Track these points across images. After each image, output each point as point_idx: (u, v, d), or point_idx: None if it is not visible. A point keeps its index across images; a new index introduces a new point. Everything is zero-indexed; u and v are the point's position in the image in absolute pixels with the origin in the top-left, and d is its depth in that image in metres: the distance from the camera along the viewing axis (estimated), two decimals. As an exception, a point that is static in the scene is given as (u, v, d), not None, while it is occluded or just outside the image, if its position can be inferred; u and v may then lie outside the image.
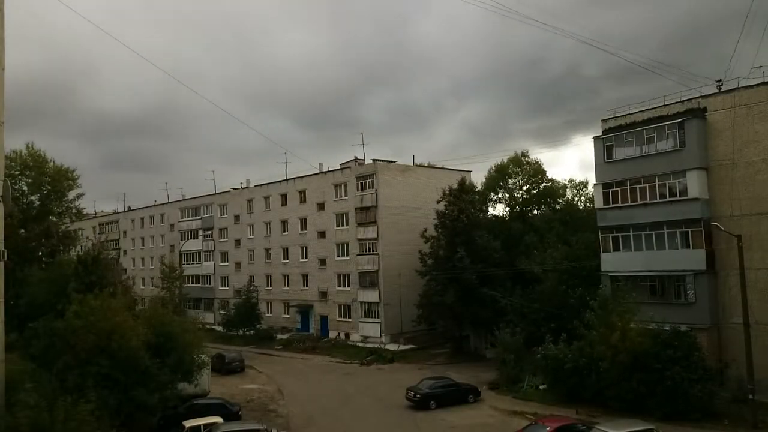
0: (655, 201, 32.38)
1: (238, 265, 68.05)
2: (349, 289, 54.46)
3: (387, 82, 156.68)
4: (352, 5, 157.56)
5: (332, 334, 55.25)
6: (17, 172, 50.68)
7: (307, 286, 58.83)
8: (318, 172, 59.55)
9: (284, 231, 61.74)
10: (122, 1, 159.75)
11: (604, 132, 35.20)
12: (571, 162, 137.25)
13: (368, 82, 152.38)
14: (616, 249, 34.05)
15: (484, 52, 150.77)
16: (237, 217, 68.35)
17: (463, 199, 45.17)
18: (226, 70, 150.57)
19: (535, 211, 54.96)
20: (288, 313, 60.55)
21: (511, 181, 55.23)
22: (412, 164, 57.55)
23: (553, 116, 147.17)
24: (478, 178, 57.14)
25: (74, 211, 56.92)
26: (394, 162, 56.19)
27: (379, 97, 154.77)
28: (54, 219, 53.76)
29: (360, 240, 53.38)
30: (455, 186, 46.31)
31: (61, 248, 52.40)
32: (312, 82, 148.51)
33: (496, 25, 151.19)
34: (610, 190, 34.48)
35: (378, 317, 51.57)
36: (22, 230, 49.80)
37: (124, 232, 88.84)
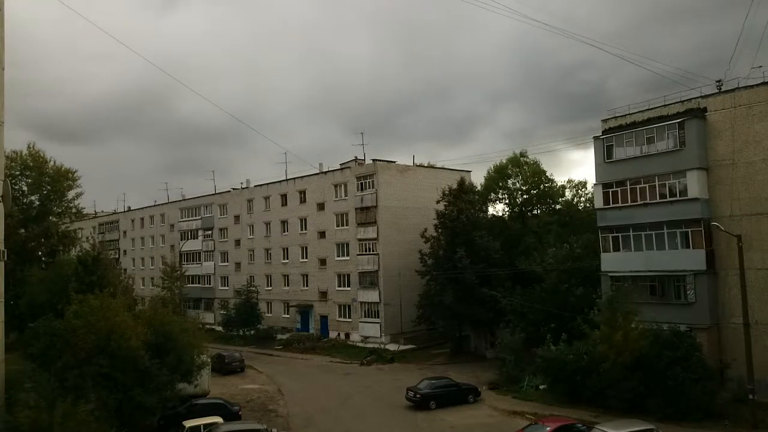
0: (655, 201, 32.36)
1: (238, 265, 68.05)
2: (349, 289, 54.45)
3: (433, 92, 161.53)
4: (405, 22, 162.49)
5: (332, 334, 55.24)
6: (17, 173, 50.74)
7: (307, 286, 58.82)
8: (318, 172, 59.56)
9: (284, 231, 61.73)
10: (214, 20, 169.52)
11: (604, 132, 35.18)
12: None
13: (416, 93, 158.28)
14: (616, 249, 34.03)
15: (520, 63, 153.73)
16: (237, 217, 68.35)
17: (462, 199, 45.19)
18: (299, 81, 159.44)
19: (535, 211, 54.94)
20: (288, 313, 60.55)
21: (510, 182, 55.21)
22: (411, 164, 57.56)
23: (585, 122, 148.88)
24: (481, 179, 57.14)
25: (74, 211, 56.99)
26: (394, 162, 56.21)
27: (423, 107, 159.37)
28: (54, 219, 53.81)
29: (360, 240, 53.38)
30: (455, 186, 46.33)
31: (61, 248, 52.49)
32: (365, 93, 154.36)
33: (532, 37, 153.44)
34: (610, 190, 34.46)
35: (378, 317, 51.56)
36: (22, 230, 49.86)
37: (124, 232, 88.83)
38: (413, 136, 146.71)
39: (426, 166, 59.84)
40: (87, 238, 78.18)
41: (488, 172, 56.93)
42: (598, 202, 35.34)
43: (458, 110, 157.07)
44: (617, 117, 34.90)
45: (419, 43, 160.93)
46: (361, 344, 50.91)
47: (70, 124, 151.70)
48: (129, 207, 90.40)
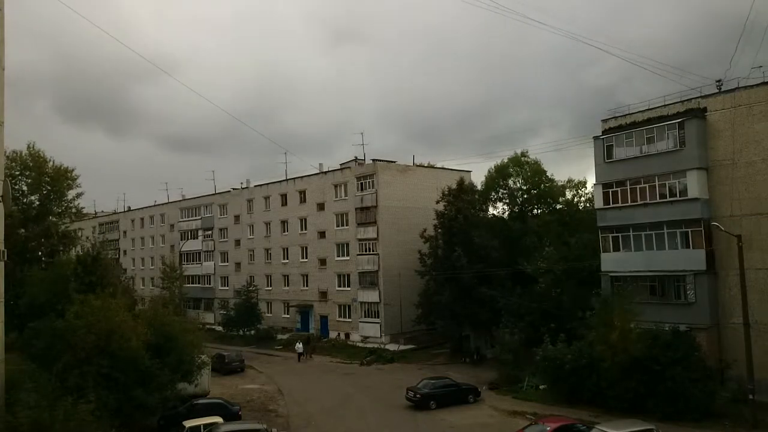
0: (655, 201, 32.37)
1: (238, 265, 68.06)
2: (349, 289, 54.46)
3: (492, 105, 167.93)
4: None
5: (332, 335, 55.26)
6: (17, 172, 50.70)
7: (307, 286, 58.83)
8: (318, 172, 59.57)
9: (284, 231, 61.75)
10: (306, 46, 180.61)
11: (604, 132, 35.17)
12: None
13: (474, 107, 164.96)
14: (616, 249, 34.03)
15: (564, 77, 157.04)
16: (237, 217, 68.37)
17: (461, 199, 45.18)
18: (376, 99, 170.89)
19: (535, 211, 54.86)
20: (288, 313, 60.56)
21: (510, 181, 55.13)
22: (412, 164, 57.56)
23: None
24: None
25: (74, 211, 56.92)
26: (394, 162, 56.20)
27: (483, 119, 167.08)
28: (54, 219, 53.76)
29: (360, 240, 53.39)
30: (454, 186, 46.33)
31: (61, 248, 52.44)
32: (431, 107, 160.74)
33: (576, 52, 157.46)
34: (610, 190, 34.46)
35: (378, 317, 51.57)
36: (22, 230, 49.80)
37: (124, 232, 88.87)
38: (469, 146, 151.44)
39: (426, 166, 59.80)
40: (87, 238, 78.12)
41: (489, 171, 56.93)
42: (598, 202, 35.33)
43: (513, 122, 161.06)
44: (617, 117, 34.89)
45: (477, 63, 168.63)
46: (361, 344, 50.91)
47: (190, 136, 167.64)
48: (129, 207, 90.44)
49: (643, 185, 32.99)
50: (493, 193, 55.10)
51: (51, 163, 53.09)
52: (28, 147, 52.25)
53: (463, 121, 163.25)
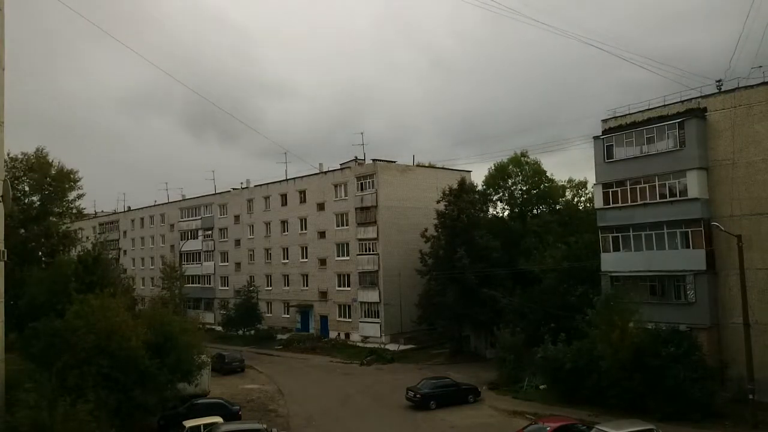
0: (655, 201, 32.34)
1: (238, 265, 68.07)
2: (349, 289, 54.46)
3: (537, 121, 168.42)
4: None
5: (332, 334, 55.25)
6: (21, 173, 50.74)
7: (307, 286, 58.84)
8: (318, 172, 59.57)
9: (284, 231, 61.76)
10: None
11: (604, 132, 35.14)
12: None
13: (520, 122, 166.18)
14: (616, 249, 34.01)
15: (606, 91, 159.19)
16: (237, 217, 68.38)
17: (463, 199, 45.17)
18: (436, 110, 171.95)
19: (535, 211, 54.89)
20: (288, 313, 60.57)
21: (510, 182, 55.15)
22: (412, 164, 57.57)
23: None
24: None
25: (74, 211, 56.94)
26: (394, 162, 56.21)
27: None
28: (54, 219, 53.76)
29: (360, 240, 53.38)
30: (455, 186, 46.33)
31: (61, 248, 52.44)
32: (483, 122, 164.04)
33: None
34: (610, 190, 34.43)
35: (378, 317, 51.56)
36: (22, 230, 49.80)
37: (124, 232, 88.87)
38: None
39: (426, 166, 59.82)
40: (88, 237, 78.11)
41: (489, 171, 56.96)
42: (598, 202, 35.30)
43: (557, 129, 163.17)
44: (617, 117, 34.85)
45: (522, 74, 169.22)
46: (361, 344, 50.91)
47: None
48: (129, 207, 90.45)
49: (643, 185, 32.96)
50: (492, 193, 55.14)
51: (56, 164, 53.13)
52: (36, 151, 52.33)
53: (514, 129, 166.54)
